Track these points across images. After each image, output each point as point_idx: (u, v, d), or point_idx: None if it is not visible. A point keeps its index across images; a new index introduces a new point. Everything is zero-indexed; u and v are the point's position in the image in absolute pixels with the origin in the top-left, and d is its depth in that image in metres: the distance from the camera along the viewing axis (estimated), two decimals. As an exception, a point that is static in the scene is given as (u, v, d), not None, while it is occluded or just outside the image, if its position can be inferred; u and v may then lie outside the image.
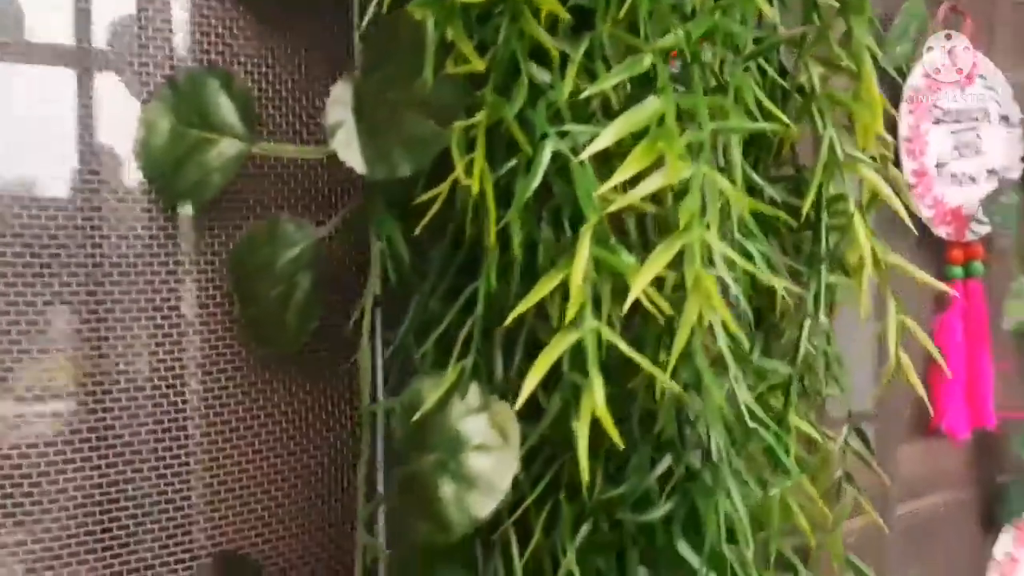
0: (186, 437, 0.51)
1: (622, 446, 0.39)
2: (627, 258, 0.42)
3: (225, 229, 0.51)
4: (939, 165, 0.85)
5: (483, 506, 0.43)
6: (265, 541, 0.53)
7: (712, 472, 0.45)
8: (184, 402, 0.51)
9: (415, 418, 0.44)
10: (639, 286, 0.40)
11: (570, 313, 0.39)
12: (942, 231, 0.85)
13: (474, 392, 0.44)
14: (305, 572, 0.54)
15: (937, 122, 0.85)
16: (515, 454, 0.43)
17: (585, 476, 0.39)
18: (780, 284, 0.48)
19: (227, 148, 0.50)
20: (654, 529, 0.48)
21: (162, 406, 0.51)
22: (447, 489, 0.43)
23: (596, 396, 0.39)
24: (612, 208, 0.42)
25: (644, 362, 0.41)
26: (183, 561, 0.51)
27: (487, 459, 0.43)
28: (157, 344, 0.50)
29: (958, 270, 0.87)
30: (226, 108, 0.50)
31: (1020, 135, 0.89)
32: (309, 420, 0.55)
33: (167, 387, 0.50)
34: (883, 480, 0.61)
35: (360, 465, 0.49)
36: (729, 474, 0.45)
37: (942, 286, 0.56)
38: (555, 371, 0.43)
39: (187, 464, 0.51)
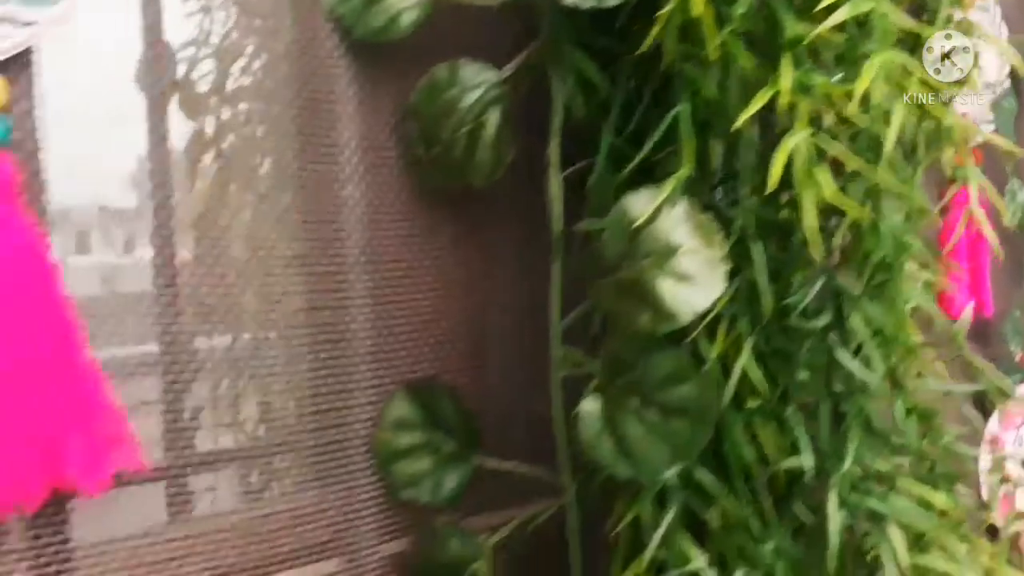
0: (382, 272, 0.54)
1: (863, 218, 0.45)
2: (822, 78, 0.48)
3: (409, 72, 0.54)
4: (950, 74, 0.93)
5: (702, 299, 0.47)
6: (465, 368, 0.57)
7: (886, 275, 0.51)
8: (379, 240, 0.54)
9: (634, 227, 0.48)
10: (858, 94, 0.45)
11: (801, 123, 0.45)
12: (951, 135, 0.93)
13: (682, 204, 0.49)
14: (503, 395, 0.57)
15: (946, 36, 0.93)
16: (722, 256, 0.48)
17: (818, 252, 0.44)
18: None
19: (415, -11, 0.52)
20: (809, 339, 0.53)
21: (361, 243, 0.53)
22: (665, 286, 0.47)
23: (825, 184, 0.45)
24: (812, 35, 0.47)
25: (853, 159, 0.46)
26: (382, 385, 0.54)
27: (698, 261, 0.48)
28: (354, 185, 0.53)
29: (961, 172, 0.96)
30: (414, -49, 0.52)
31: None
32: (498, 252, 0.58)
33: (366, 224, 0.53)
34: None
35: (553, 288, 0.53)
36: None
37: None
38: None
39: (385, 297, 0.54)
